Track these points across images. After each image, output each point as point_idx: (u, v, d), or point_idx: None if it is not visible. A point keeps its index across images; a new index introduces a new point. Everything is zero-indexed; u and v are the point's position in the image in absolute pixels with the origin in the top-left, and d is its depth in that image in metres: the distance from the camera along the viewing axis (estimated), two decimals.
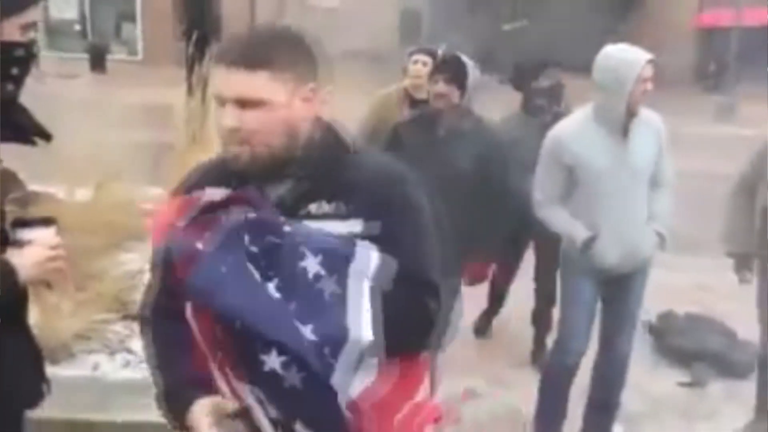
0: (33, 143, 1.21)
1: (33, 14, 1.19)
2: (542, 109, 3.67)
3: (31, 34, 1.19)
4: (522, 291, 4.21)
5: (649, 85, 2.76)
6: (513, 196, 3.12)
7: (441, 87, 3.03)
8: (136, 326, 3.15)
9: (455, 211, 2.71)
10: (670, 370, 4.01)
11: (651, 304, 4.36)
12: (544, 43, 25.07)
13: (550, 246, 3.43)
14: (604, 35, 26.36)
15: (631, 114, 2.78)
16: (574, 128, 2.86)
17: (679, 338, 4.14)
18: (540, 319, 4.03)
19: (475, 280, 3.28)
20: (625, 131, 2.80)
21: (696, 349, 4.02)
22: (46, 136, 1.21)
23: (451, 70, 3.05)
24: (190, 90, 4.11)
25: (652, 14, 27.59)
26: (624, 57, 2.75)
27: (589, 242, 2.82)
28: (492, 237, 3.13)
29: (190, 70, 4.12)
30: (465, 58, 3.13)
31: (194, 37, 4.04)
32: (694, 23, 25.74)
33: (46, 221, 1.32)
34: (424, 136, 3.03)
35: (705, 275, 4.99)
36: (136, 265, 3.75)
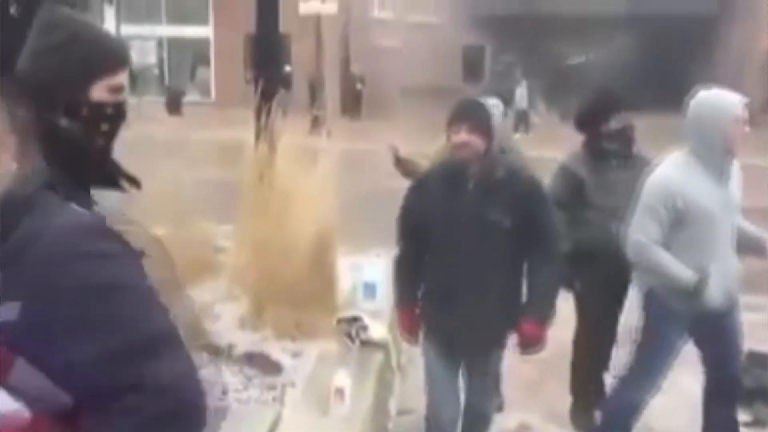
0: (123, 189, 1.32)
1: (121, 77, 1.25)
2: (612, 153, 3.47)
3: (121, 96, 1.26)
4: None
5: (746, 127, 2.84)
6: (558, 247, 2.83)
7: (462, 136, 2.69)
8: (206, 356, 3.34)
9: (498, 271, 2.72)
10: None
11: None
12: (607, 79, 24.85)
13: (596, 296, 3.45)
14: (671, 73, 25.80)
15: (729, 156, 2.87)
16: (681, 172, 2.91)
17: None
18: (594, 365, 3.75)
19: (530, 345, 2.91)
20: (723, 173, 2.88)
21: (756, 388, 3.89)
22: (136, 183, 1.32)
23: (472, 116, 2.73)
24: (257, 135, 4.33)
25: (728, 41, 27.01)
26: (720, 101, 2.85)
27: (701, 285, 2.86)
28: (544, 294, 2.82)
29: (257, 116, 4.33)
30: (489, 101, 2.97)
31: (261, 84, 4.25)
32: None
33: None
34: (451, 191, 2.74)
35: None
36: (207, 297, 3.95)
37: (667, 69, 27.29)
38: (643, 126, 3.83)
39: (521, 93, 21.73)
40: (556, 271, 2.83)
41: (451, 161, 2.79)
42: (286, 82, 5.03)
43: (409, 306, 2.98)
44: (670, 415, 3.71)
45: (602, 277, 3.43)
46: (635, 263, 3.05)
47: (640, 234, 2.93)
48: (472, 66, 30.68)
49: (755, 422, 3.75)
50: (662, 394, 3.35)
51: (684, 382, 3.75)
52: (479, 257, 2.69)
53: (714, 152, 2.83)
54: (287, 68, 19.23)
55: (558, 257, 2.81)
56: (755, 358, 4.17)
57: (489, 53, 32.51)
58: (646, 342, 3.11)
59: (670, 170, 2.94)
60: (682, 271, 2.88)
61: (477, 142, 2.70)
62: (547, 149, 3.37)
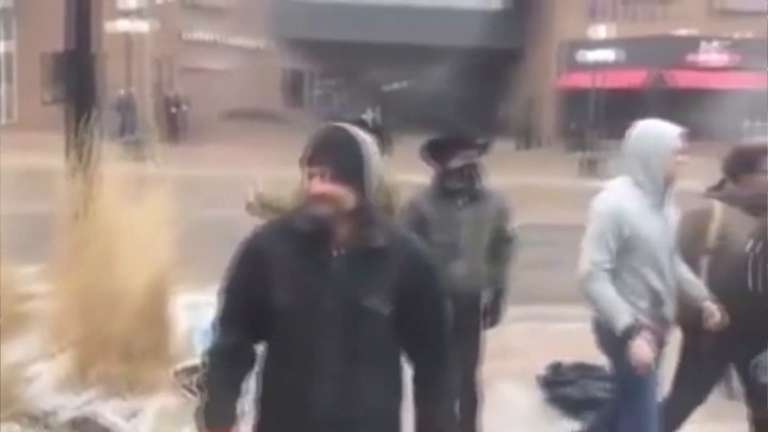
0: None
1: None
2: (456, 191, 3.37)
3: None
4: None
5: (683, 157, 2.94)
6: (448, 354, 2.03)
7: (321, 185, 1.82)
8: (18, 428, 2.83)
9: (370, 375, 1.86)
10: (561, 421, 4.04)
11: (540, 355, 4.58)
12: (424, 105, 26.22)
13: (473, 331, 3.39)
14: (484, 98, 27.66)
15: (668, 184, 2.96)
16: (627, 199, 2.96)
17: (568, 388, 4.20)
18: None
19: None
20: (663, 201, 2.98)
21: (584, 398, 4.10)
22: None
23: (337, 157, 1.83)
24: (71, 162, 3.83)
25: (524, 72, 29.61)
26: (660, 131, 2.95)
27: (630, 333, 2.80)
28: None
29: (68, 141, 3.83)
30: (360, 134, 1.89)
31: (71, 106, 3.77)
32: (559, 84, 27.79)
33: None
34: (305, 261, 1.88)
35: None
36: (18, 355, 3.38)
37: (474, 98, 29.42)
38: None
39: (374, 117, 22.12)
40: (446, 392, 2.00)
41: (306, 217, 1.86)
42: (101, 104, 4.51)
43: (226, 426, 1.89)
44: None
45: None
46: (581, 291, 3.01)
47: (589, 263, 2.92)
48: (292, 90, 30.76)
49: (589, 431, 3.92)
50: None
51: None
52: (345, 356, 1.86)
53: (656, 181, 2.94)
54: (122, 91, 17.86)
55: (447, 370, 1.98)
56: (579, 368, 4.39)
57: (307, 78, 32.82)
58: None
59: (617, 198, 2.98)
60: (618, 313, 2.88)
61: (342, 194, 1.82)
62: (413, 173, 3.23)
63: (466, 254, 3.29)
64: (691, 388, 3.30)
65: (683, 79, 26.04)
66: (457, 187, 3.35)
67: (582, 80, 24.08)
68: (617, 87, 23.64)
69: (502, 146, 24.93)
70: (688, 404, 3.30)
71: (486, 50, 27.38)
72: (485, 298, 3.48)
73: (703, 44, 27.21)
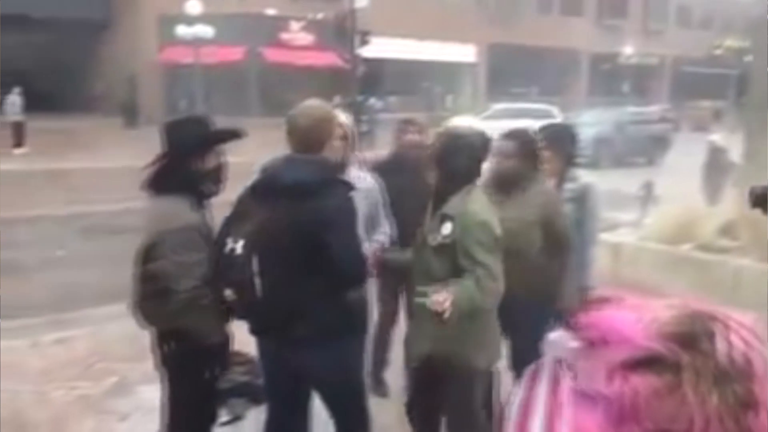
0: None
1: None
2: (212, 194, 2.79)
3: None
4: None
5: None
6: None
7: None
8: None
9: None
10: None
11: None
12: (4, 74, 22.91)
13: None
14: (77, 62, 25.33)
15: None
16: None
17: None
18: None
19: None
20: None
21: (230, 387, 4.20)
22: None
23: None
24: None
25: (121, 46, 27.96)
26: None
27: None
28: None
29: None
30: None
31: None
32: (159, 59, 27.05)
33: None
34: None
35: None
36: None
37: (62, 71, 26.83)
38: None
39: (13, 101, 18.08)
40: None
41: None
42: None
43: None
44: None
45: None
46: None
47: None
48: None
49: (234, 418, 4.08)
50: None
51: None
52: None
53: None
54: None
55: None
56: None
57: None
58: None
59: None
60: None
61: None
62: None
63: None
64: None
65: (275, 55, 27.80)
66: (211, 191, 2.96)
67: (182, 55, 23.85)
68: (216, 62, 24.08)
69: (108, 124, 23.59)
70: None
71: (66, 21, 25.12)
72: None
73: (292, 24, 29.35)
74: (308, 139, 2.54)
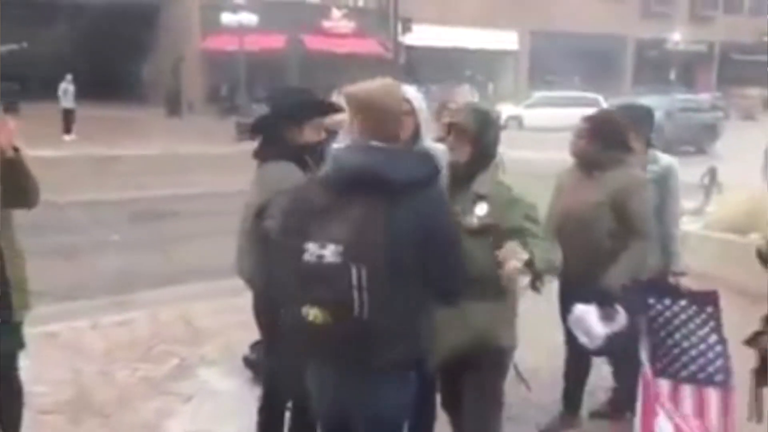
0: None
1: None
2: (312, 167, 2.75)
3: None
4: None
5: None
6: None
7: None
8: None
9: None
10: None
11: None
12: (46, 68, 23.40)
13: None
14: (111, 62, 25.71)
15: None
16: None
17: None
18: None
19: None
20: None
21: None
22: None
23: None
24: None
25: (165, 34, 28.32)
26: None
27: None
28: None
29: None
30: None
31: None
32: (202, 47, 27.30)
33: None
34: None
35: None
36: None
37: (109, 58, 27.26)
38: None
39: (65, 89, 18.57)
40: None
41: None
42: None
43: None
44: None
45: None
46: None
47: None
48: None
49: None
50: None
51: None
52: None
53: None
54: None
55: None
56: None
57: None
58: None
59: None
60: None
61: None
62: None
63: None
64: None
65: (316, 43, 27.81)
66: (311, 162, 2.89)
67: (226, 43, 24.01)
68: (259, 50, 24.19)
69: (151, 112, 23.92)
70: None
71: (115, 8, 25.48)
72: None
73: (334, 11, 29.34)
74: (385, 124, 2.15)
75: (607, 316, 2.89)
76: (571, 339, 3.21)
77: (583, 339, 2.96)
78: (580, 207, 3.15)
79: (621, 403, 3.35)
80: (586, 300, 2.95)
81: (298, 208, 2.12)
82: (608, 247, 3.10)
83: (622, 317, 2.83)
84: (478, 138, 2.56)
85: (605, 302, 2.87)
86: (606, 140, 3.11)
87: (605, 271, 3.03)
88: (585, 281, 3.01)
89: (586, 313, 2.89)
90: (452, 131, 2.63)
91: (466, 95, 3.96)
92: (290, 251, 2.02)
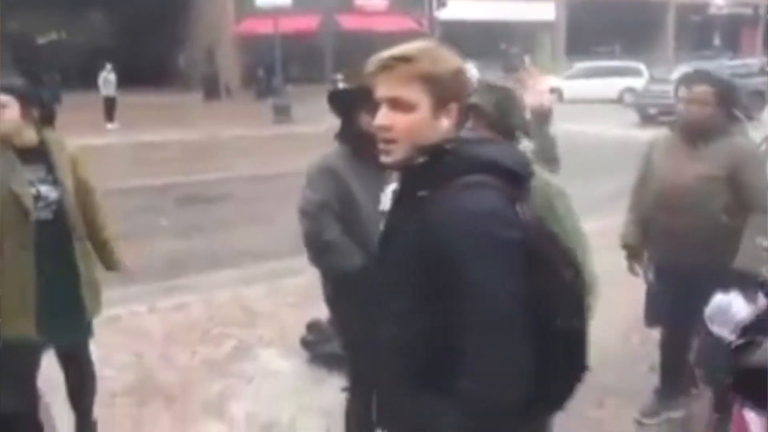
0: None
1: None
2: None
3: None
4: None
5: None
6: None
7: None
8: None
9: None
10: (332, 378, 3.73)
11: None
12: (83, 58, 23.73)
13: None
14: (160, 36, 25.84)
15: None
16: None
17: (328, 345, 3.88)
18: None
19: None
20: None
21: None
22: None
23: None
24: None
25: (200, 19, 28.46)
26: None
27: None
28: None
29: None
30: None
31: None
32: (237, 31, 27.37)
33: None
34: None
35: None
36: None
37: (145, 45, 27.53)
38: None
39: (106, 77, 18.87)
40: None
41: None
42: None
43: None
44: None
45: None
46: None
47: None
48: None
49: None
50: None
51: None
52: None
53: None
54: None
55: None
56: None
57: None
58: None
59: None
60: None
61: None
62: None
63: None
64: None
65: (350, 22, 27.63)
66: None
67: (260, 26, 24.02)
68: (293, 31, 24.13)
69: (189, 98, 24.15)
70: None
71: None
72: None
73: None
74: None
75: (750, 300, 2.66)
76: (668, 317, 3.05)
77: (721, 331, 2.64)
78: (689, 182, 2.92)
79: (693, 378, 3.23)
80: (708, 283, 2.69)
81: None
82: (725, 224, 2.91)
83: (762, 300, 2.57)
84: (504, 119, 2.29)
85: (743, 285, 2.67)
86: (728, 106, 2.88)
87: (726, 251, 2.83)
88: (704, 262, 2.82)
89: (731, 300, 2.59)
90: (470, 114, 2.42)
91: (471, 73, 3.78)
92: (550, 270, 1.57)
